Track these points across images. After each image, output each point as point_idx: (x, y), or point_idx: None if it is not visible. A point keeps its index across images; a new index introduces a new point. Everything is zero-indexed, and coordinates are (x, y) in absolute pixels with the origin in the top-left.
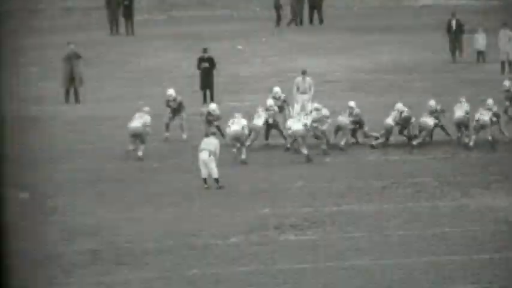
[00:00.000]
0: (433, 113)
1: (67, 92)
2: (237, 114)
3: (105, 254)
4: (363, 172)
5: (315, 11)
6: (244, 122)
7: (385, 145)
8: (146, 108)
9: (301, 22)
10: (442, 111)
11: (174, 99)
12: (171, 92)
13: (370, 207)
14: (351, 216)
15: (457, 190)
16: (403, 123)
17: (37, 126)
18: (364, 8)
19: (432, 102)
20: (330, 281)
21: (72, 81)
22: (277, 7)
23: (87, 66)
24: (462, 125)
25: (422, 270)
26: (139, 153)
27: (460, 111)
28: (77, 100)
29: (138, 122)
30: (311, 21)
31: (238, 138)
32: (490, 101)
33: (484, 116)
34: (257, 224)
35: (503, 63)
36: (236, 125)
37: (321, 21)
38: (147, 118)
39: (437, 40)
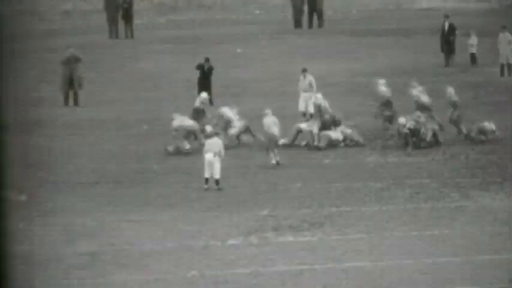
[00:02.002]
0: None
1: (66, 95)
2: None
3: (104, 256)
4: (362, 173)
5: (315, 14)
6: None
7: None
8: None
9: (300, 25)
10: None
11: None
12: (204, 95)
13: (368, 209)
14: (349, 218)
15: (456, 191)
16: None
17: (36, 129)
18: (362, 11)
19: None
20: (329, 282)
21: (71, 84)
22: (299, 9)
23: (86, 70)
24: (427, 110)
25: (421, 272)
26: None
27: (424, 96)
28: (76, 103)
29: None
30: (310, 24)
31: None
32: (450, 90)
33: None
34: (256, 226)
35: (502, 66)
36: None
37: (321, 24)
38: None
39: (436, 43)
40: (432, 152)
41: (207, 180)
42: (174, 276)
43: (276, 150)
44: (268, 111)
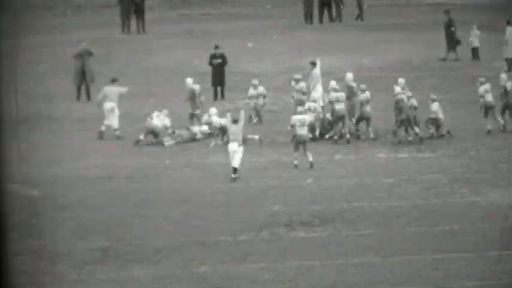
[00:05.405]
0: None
1: (78, 89)
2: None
3: (116, 251)
4: (373, 169)
5: (325, 9)
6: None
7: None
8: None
9: (311, 20)
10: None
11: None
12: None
13: (379, 205)
14: (360, 214)
15: (466, 187)
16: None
17: (49, 123)
18: (373, 5)
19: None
20: (340, 277)
21: (83, 78)
22: (309, 4)
23: (98, 64)
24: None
25: (432, 267)
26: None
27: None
28: (88, 97)
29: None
30: (321, 19)
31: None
32: (401, 80)
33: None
34: (267, 221)
35: (506, 60)
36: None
37: (331, 18)
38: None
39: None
40: (442, 147)
41: (233, 169)
42: (185, 272)
43: (308, 153)
44: (300, 108)
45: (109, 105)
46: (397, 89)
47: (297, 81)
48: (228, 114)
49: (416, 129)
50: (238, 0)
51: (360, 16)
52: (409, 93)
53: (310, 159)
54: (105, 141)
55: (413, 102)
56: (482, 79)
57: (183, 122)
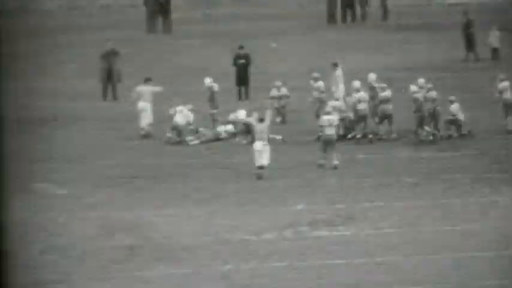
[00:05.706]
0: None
1: (105, 89)
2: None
3: (142, 250)
4: (395, 169)
5: (349, 9)
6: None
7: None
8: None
9: (334, 20)
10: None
11: None
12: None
13: (401, 204)
14: (382, 213)
15: (487, 186)
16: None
17: (75, 122)
18: (395, 6)
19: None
20: (362, 276)
21: (110, 78)
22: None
23: (124, 63)
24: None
25: (453, 266)
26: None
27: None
28: (114, 97)
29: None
30: (344, 19)
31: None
32: (420, 80)
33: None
34: (291, 220)
35: None
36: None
37: (354, 18)
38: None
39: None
40: (463, 147)
41: (258, 168)
42: (210, 270)
43: (334, 154)
44: (329, 108)
45: (142, 104)
46: (413, 88)
47: (316, 79)
48: (254, 113)
49: (427, 128)
50: (263, 0)
51: (385, 16)
52: (430, 85)
53: (336, 162)
54: (130, 140)
55: (433, 94)
56: (502, 76)
57: (206, 121)
